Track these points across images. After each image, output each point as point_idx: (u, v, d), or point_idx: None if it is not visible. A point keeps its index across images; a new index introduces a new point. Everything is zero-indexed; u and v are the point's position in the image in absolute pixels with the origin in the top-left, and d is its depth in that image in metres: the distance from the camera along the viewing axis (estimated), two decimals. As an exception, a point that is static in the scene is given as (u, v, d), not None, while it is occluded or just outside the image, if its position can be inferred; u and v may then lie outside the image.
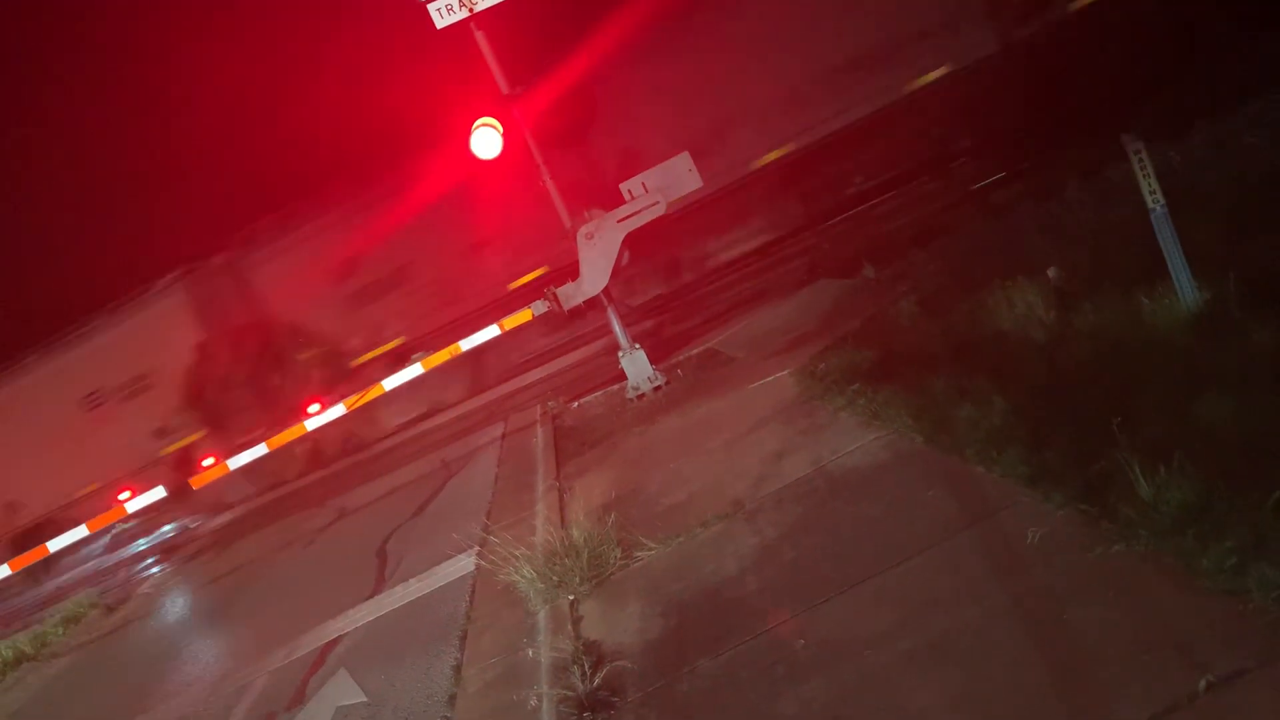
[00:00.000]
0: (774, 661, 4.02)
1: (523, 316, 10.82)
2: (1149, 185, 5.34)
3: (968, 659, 3.47)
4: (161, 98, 32.65)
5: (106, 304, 17.82)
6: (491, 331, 11.26)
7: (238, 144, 29.12)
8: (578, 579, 5.66)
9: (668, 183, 10.01)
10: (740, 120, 15.63)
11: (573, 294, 10.23)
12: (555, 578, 5.71)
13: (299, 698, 6.32)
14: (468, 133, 9.73)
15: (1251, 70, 9.43)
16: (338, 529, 11.40)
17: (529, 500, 8.20)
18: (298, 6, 26.43)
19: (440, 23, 9.51)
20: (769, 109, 15.62)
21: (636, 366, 10.32)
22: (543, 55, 13.41)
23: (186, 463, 16.68)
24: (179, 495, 15.02)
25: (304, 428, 12.79)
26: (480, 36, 9.88)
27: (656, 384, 10.21)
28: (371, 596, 7.78)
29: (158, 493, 13.59)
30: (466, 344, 11.47)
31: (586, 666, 4.50)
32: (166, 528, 18.73)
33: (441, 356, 11.82)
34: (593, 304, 10.44)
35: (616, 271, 10.25)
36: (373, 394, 12.35)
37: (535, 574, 5.78)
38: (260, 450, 12.72)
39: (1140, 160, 5.33)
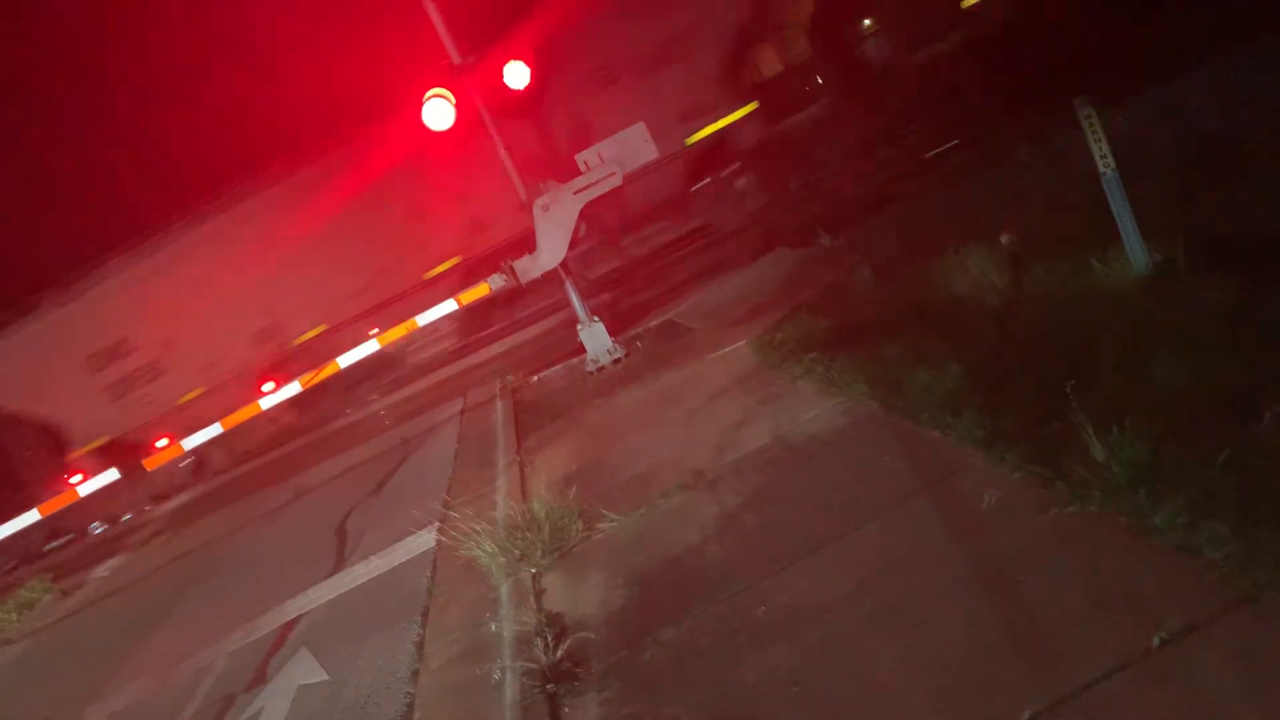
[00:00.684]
0: (736, 629, 4.04)
1: (480, 291, 10.72)
2: (1100, 150, 5.40)
3: (927, 620, 3.51)
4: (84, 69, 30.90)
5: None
6: (449, 306, 11.16)
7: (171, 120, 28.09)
8: (540, 552, 5.66)
9: (624, 153, 9.92)
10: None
11: (530, 267, 10.13)
12: (517, 552, 5.70)
13: (260, 678, 6.26)
14: (419, 105, 9.58)
15: (1200, 36, 9.52)
16: (296, 508, 11.28)
17: (490, 475, 8.16)
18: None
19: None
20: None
21: (595, 339, 10.28)
22: (493, 23, 13.19)
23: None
24: (132, 477, 14.75)
25: (258, 407, 12.61)
26: (431, 7, 9.71)
27: (616, 356, 10.18)
28: (331, 575, 7.71)
29: (111, 475, 13.35)
30: (423, 319, 11.40)
31: (549, 639, 4.49)
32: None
33: (398, 332, 11.71)
34: (549, 277, 10.37)
35: (574, 243, 10.17)
36: (328, 371, 12.25)
37: (497, 548, 5.77)
38: (215, 430, 12.56)
39: (1091, 125, 5.38)
